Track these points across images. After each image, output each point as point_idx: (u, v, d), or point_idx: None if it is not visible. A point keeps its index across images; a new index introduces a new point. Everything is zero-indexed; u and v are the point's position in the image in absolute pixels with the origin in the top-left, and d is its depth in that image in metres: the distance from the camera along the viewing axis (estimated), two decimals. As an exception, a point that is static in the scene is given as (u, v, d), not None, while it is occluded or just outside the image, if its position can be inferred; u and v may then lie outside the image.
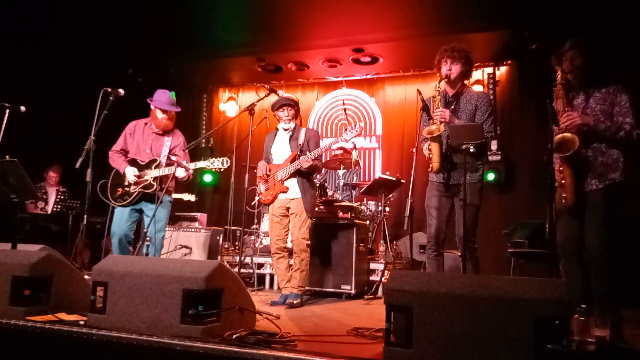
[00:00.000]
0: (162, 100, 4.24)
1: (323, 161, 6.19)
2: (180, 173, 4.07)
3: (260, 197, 4.36)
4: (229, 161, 4.03)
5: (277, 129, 4.35)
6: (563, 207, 2.96)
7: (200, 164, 4.12)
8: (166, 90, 4.30)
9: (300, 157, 4.05)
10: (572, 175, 2.91)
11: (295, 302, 3.98)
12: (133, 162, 4.22)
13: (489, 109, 3.42)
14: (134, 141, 4.31)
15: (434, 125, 3.31)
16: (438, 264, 3.40)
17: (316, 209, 5.08)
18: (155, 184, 4.08)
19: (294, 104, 4.23)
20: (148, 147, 4.27)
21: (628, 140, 2.85)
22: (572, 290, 2.84)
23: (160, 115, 4.24)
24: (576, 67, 3.00)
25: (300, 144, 4.16)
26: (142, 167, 4.17)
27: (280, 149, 4.26)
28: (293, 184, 4.14)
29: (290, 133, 4.24)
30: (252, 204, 6.47)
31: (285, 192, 4.14)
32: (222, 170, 4.08)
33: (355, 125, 4.06)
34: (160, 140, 4.30)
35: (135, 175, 4.11)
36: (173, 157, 4.18)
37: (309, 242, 4.15)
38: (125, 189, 4.17)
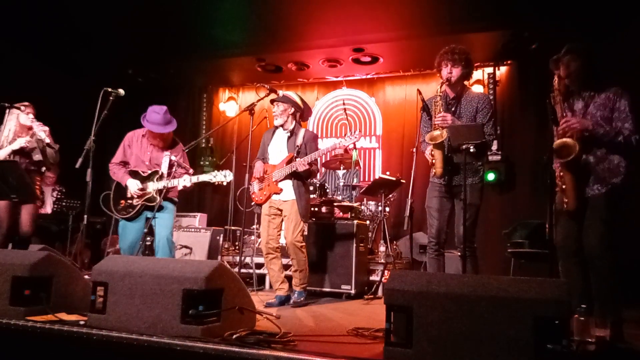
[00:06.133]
0: (154, 121, 4.08)
1: (323, 161, 6.20)
2: (183, 184, 4.04)
3: (253, 196, 4.28)
4: (231, 175, 3.98)
5: (275, 127, 4.27)
6: (563, 210, 2.96)
7: (203, 177, 4.04)
8: (160, 106, 4.12)
9: (297, 160, 3.99)
10: (573, 180, 2.89)
11: (301, 299, 4.04)
12: (134, 174, 4.14)
13: (490, 111, 3.41)
14: (132, 153, 4.23)
15: (436, 131, 3.28)
16: (439, 264, 3.42)
17: (316, 209, 5.08)
18: (157, 196, 4.03)
19: (284, 101, 4.14)
20: (147, 158, 4.20)
21: (627, 145, 2.83)
22: (571, 290, 2.85)
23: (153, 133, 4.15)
24: (572, 72, 2.98)
25: (297, 145, 4.09)
26: (143, 179, 4.11)
27: (278, 149, 4.20)
28: (288, 187, 4.08)
29: (289, 134, 4.16)
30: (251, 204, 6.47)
31: (279, 194, 4.07)
32: (224, 184, 4.00)
33: (354, 131, 3.98)
34: (159, 151, 4.21)
35: (138, 189, 4.06)
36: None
37: (303, 244, 4.11)
38: (128, 201, 4.11)
